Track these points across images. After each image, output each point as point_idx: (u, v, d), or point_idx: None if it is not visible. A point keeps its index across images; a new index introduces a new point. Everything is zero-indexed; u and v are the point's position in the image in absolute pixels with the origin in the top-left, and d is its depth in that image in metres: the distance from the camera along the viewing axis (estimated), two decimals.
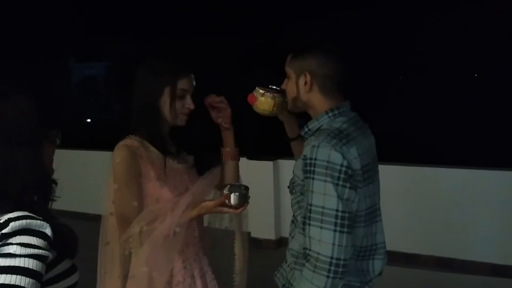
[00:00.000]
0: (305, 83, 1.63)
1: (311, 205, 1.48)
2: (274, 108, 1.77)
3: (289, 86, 1.70)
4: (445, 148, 5.88)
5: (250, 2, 6.69)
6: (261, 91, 1.77)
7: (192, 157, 1.87)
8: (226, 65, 7.02)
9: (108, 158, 1.74)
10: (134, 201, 1.67)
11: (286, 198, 1.79)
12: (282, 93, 1.76)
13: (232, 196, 1.64)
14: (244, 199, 1.67)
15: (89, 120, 12.42)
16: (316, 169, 1.48)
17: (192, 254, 1.80)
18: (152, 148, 1.73)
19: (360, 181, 1.54)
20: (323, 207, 1.46)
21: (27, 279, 0.96)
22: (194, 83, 1.78)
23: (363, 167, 1.56)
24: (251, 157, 4.66)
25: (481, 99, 7.16)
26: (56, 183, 1.21)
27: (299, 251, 1.63)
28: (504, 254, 4.15)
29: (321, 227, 1.45)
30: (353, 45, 7.02)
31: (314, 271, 1.45)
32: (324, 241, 1.44)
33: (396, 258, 3.98)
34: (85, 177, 5.34)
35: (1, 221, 1.01)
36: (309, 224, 1.47)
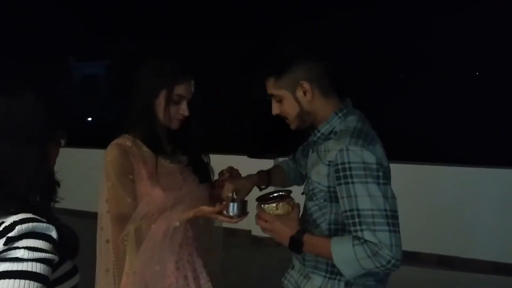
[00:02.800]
0: (304, 93, 1.59)
1: (358, 209, 1.43)
2: (290, 209, 1.65)
3: (287, 106, 1.63)
4: (446, 146, 5.87)
5: (250, 3, 6.70)
6: (272, 205, 1.63)
7: (186, 157, 1.86)
8: (227, 64, 7.02)
9: None
10: (129, 198, 1.67)
11: (295, 192, 1.76)
12: (284, 192, 1.70)
13: (231, 205, 1.63)
14: (242, 211, 1.65)
15: (90, 119, 12.43)
16: (354, 173, 1.44)
17: (185, 255, 1.79)
18: (145, 147, 1.73)
19: (389, 178, 1.52)
20: (372, 209, 1.42)
21: (35, 284, 0.96)
22: (193, 89, 1.75)
23: (388, 165, 1.55)
24: (251, 155, 4.66)
25: (483, 97, 7.16)
26: (59, 185, 1.20)
27: (316, 256, 1.62)
28: (505, 252, 4.15)
29: (374, 230, 1.41)
30: (354, 44, 7.02)
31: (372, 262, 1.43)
32: (382, 243, 1.40)
33: None
34: (85, 175, 5.33)
35: (7, 224, 1.00)
36: (362, 230, 1.43)
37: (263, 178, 1.93)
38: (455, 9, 6.99)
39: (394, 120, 6.84)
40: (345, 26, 6.84)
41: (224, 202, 1.66)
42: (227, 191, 1.75)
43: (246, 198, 1.81)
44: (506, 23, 6.30)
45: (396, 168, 4.50)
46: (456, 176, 4.44)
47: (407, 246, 4.51)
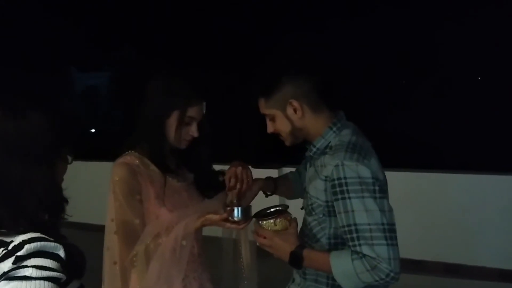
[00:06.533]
0: (295, 110, 1.60)
1: (355, 224, 1.44)
2: (288, 224, 1.63)
3: (279, 124, 1.64)
4: (451, 153, 5.85)
5: (251, 12, 6.77)
6: (270, 221, 1.62)
7: (192, 175, 1.84)
8: (229, 73, 7.04)
9: (109, 169, 1.70)
10: (136, 219, 1.65)
11: (291, 206, 1.76)
12: (281, 207, 1.69)
13: (235, 210, 1.62)
14: (246, 214, 1.63)
15: (93, 130, 12.44)
16: (350, 188, 1.45)
17: (191, 271, 1.76)
18: (152, 166, 1.70)
19: (385, 191, 1.53)
20: (369, 224, 1.43)
21: None
22: (204, 111, 1.73)
23: (384, 178, 1.56)
24: (255, 165, 4.63)
25: (487, 103, 7.14)
26: (67, 202, 1.20)
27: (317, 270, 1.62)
28: None
29: (372, 244, 1.42)
30: (355, 51, 7.03)
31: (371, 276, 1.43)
32: (380, 257, 1.41)
33: (404, 265, 3.96)
34: (88, 188, 5.33)
35: (16, 243, 1.01)
36: (360, 245, 1.43)
37: (269, 184, 1.92)
38: (458, 14, 6.99)
39: (397, 128, 6.82)
40: (338, 35, 6.85)
41: (228, 208, 1.64)
42: (232, 196, 1.75)
43: (251, 203, 1.79)
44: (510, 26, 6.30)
45: (400, 176, 4.51)
46: (461, 183, 4.42)
47: (413, 254, 4.51)
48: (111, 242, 1.68)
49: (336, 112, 1.67)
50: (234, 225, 1.63)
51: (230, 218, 1.62)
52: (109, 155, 1.75)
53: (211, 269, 1.89)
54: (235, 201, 1.75)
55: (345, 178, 1.46)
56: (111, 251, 1.68)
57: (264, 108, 1.66)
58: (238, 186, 1.78)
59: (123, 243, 1.65)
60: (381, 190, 1.47)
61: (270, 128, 1.69)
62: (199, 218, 1.65)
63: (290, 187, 1.99)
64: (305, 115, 1.61)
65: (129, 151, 1.72)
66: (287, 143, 1.70)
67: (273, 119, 1.65)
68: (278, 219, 1.61)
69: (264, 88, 1.64)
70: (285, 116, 1.62)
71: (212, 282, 1.85)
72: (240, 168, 1.79)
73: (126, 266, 1.66)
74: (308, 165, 1.74)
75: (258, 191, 1.85)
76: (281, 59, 1.77)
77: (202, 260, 1.83)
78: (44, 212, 1.13)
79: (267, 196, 1.95)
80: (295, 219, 1.64)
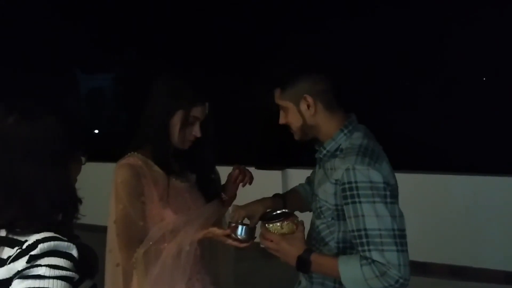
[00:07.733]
0: (308, 106, 1.60)
1: (365, 229, 1.43)
2: (295, 227, 1.63)
3: (291, 118, 1.65)
4: (455, 155, 5.83)
5: (256, 12, 6.78)
6: (277, 224, 1.61)
7: (194, 176, 1.84)
8: (233, 74, 7.04)
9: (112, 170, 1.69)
10: (141, 221, 1.64)
11: None
12: (287, 210, 1.70)
13: (239, 228, 1.61)
14: (250, 235, 1.63)
15: (97, 131, 12.47)
16: (361, 192, 1.44)
17: (194, 274, 1.75)
18: (156, 168, 1.69)
19: (396, 196, 1.52)
20: (379, 229, 1.41)
21: None
22: (207, 111, 1.73)
23: (396, 182, 1.54)
24: (258, 166, 4.62)
25: (492, 105, 7.10)
26: (81, 202, 1.23)
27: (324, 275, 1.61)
28: None
29: (382, 250, 1.41)
30: (358, 53, 7.01)
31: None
32: (390, 263, 1.40)
33: None
34: (92, 189, 5.31)
35: (30, 243, 1.04)
36: (369, 250, 1.42)
37: (277, 202, 1.90)
38: (461, 15, 6.97)
39: (401, 128, 6.80)
40: (347, 35, 6.85)
41: (233, 224, 1.64)
42: (238, 217, 1.74)
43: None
44: None
45: (405, 178, 4.47)
46: (466, 185, 4.40)
47: (417, 256, 4.48)
48: (114, 244, 1.67)
49: (348, 114, 1.67)
50: (235, 243, 1.63)
51: (233, 235, 1.62)
52: (113, 156, 1.73)
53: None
54: (240, 219, 1.74)
55: (355, 182, 1.44)
56: (113, 253, 1.68)
57: (279, 98, 1.66)
58: (240, 177, 1.87)
59: (126, 245, 1.65)
60: (392, 195, 1.46)
61: (282, 119, 1.69)
62: (202, 230, 1.66)
63: (301, 200, 1.98)
64: (318, 113, 1.61)
65: (132, 152, 1.71)
66: (296, 137, 1.70)
67: (286, 111, 1.66)
68: (285, 222, 1.60)
69: (281, 78, 1.65)
70: (298, 110, 1.62)
71: (215, 285, 1.84)
72: (243, 166, 1.88)
73: (127, 269, 1.65)
74: (317, 167, 1.73)
75: (265, 211, 1.83)
76: (303, 54, 1.77)
77: (205, 262, 1.82)
78: (58, 212, 1.16)
79: None
80: (302, 222, 1.62)
